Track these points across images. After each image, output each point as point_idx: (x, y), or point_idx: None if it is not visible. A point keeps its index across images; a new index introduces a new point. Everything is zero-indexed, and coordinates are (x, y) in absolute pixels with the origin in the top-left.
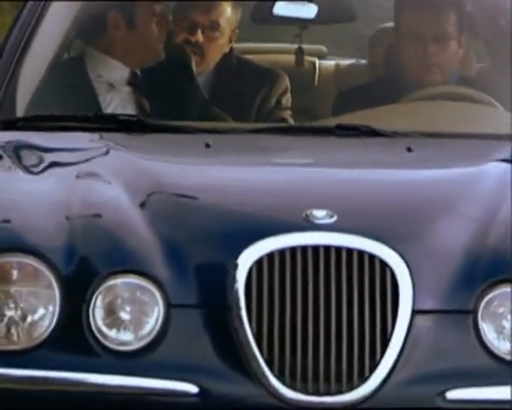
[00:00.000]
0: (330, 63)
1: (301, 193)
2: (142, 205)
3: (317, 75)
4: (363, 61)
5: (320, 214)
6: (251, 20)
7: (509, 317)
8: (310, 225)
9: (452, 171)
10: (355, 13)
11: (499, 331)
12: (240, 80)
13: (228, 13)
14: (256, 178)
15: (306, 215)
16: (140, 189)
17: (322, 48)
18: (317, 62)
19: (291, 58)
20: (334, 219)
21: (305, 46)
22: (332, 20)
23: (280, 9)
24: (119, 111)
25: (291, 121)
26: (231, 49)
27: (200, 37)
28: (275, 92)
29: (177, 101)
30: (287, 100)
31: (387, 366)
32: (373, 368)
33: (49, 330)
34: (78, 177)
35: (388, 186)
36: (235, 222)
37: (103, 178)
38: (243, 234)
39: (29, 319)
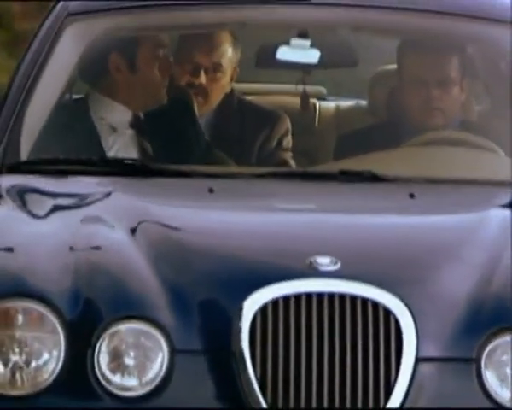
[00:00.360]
0: (330, 105)
1: (305, 239)
2: (146, 249)
3: (317, 117)
4: (364, 103)
5: (324, 261)
6: (254, 64)
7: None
8: (314, 272)
9: (454, 217)
10: (357, 58)
11: (502, 379)
12: (241, 122)
13: (229, 53)
14: (260, 223)
15: (310, 262)
16: (144, 233)
17: (322, 89)
18: (318, 104)
19: (293, 100)
20: (338, 265)
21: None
22: (334, 65)
23: (283, 54)
24: (122, 154)
25: (292, 163)
26: (232, 89)
27: (203, 79)
28: (276, 134)
29: (179, 144)
30: (287, 142)
31: None
32: None
33: (54, 375)
34: (81, 221)
35: (391, 233)
36: (239, 268)
37: (107, 223)
38: (248, 280)
39: (33, 364)
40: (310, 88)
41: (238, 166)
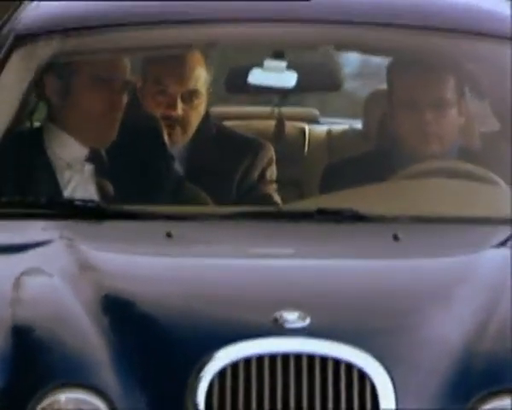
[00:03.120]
0: (322, 129)
1: (271, 291)
2: (90, 305)
3: (306, 144)
4: (358, 126)
5: (291, 317)
6: (225, 89)
7: None
8: (279, 330)
9: (442, 262)
10: (341, 81)
11: None
12: (219, 152)
13: (203, 76)
14: (220, 272)
15: (275, 318)
16: (88, 286)
17: (314, 111)
18: (307, 128)
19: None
20: (307, 321)
21: (294, 109)
22: (314, 88)
23: (255, 78)
24: (79, 192)
25: (276, 197)
26: (208, 113)
27: (180, 109)
28: (258, 165)
29: (146, 180)
30: (271, 173)
31: None
32: None
33: None
34: (21, 275)
35: (370, 283)
36: (194, 327)
37: (48, 276)
38: (204, 341)
39: None
40: (300, 110)
41: (215, 202)
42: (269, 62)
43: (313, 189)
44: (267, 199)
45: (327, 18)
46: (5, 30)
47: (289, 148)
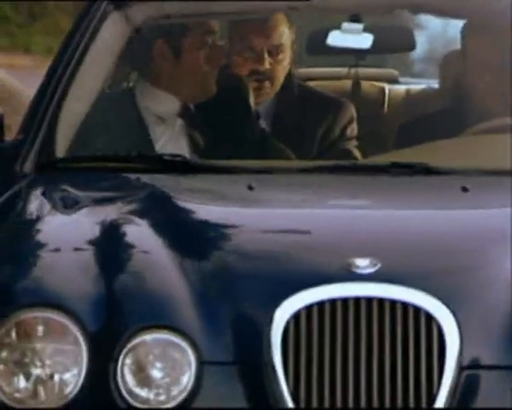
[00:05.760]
0: (401, 89)
1: (344, 239)
2: (176, 255)
3: (386, 102)
4: (436, 85)
5: (362, 263)
6: (305, 50)
7: None
8: (351, 275)
9: (509, 211)
10: (414, 41)
11: None
12: (302, 110)
13: (287, 33)
14: (296, 223)
15: (348, 264)
16: (175, 237)
17: (394, 71)
18: (387, 88)
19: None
20: (378, 267)
21: (375, 70)
22: (389, 49)
23: (334, 40)
24: (170, 147)
25: (356, 153)
26: (290, 73)
27: (267, 63)
28: (339, 123)
29: (233, 136)
30: (352, 130)
31: None
32: None
33: (76, 390)
34: (110, 224)
35: (437, 230)
36: (271, 273)
37: (137, 224)
38: (280, 286)
39: (56, 377)
40: (381, 71)
41: (298, 158)
42: (346, 25)
43: (390, 144)
44: (347, 154)
45: None
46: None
47: (369, 106)
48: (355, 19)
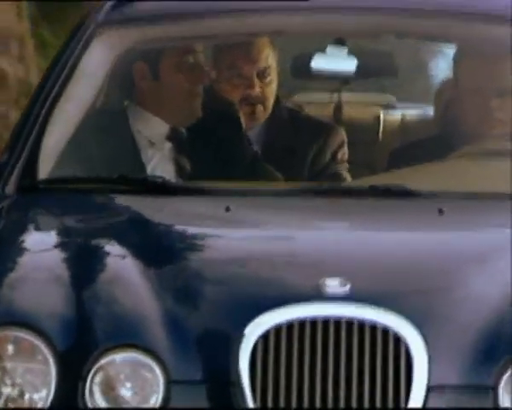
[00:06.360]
0: (396, 115)
1: (316, 259)
2: (147, 275)
3: (381, 128)
4: (431, 112)
5: (332, 283)
6: (290, 74)
7: None
8: (321, 296)
9: (484, 233)
10: (397, 67)
11: None
12: (292, 134)
13: (271, 54)
14: (268, 244)
15: (318, 285)
16: (147, 259)
17: (390, 97)
18: (382, 114)
19: (350, 110)
20: (347, 288)
21: (371, 95)
22: (373, 74)
23: (318, 63)
24: (159, 170)
25: (347, 176)
26: (278, 97)
27: (258, 88)
28: (329, 146)
29: (222, 159)
30: (342, 154)
31: None
32: None
33: (46, 408)
34: (85, 245)
35: (409, 253)
36: (240, 293)
37: (111, 247)
38: (249, 305)
39: (26, 396)
40: (377, 96)
41: (288, 181)
42: (331, 48)
43: (381, 169)
44: (338, 178)
45: (388, 6)
46: (87, 22)
47: (362, 131)
48: (339, 42)
